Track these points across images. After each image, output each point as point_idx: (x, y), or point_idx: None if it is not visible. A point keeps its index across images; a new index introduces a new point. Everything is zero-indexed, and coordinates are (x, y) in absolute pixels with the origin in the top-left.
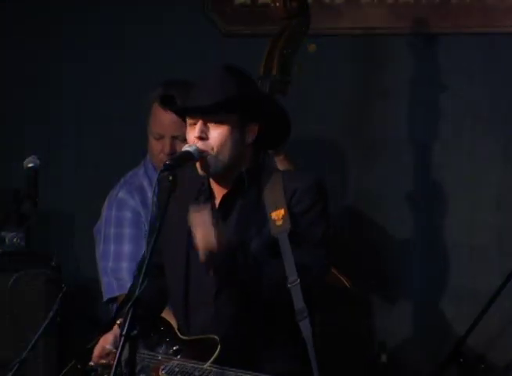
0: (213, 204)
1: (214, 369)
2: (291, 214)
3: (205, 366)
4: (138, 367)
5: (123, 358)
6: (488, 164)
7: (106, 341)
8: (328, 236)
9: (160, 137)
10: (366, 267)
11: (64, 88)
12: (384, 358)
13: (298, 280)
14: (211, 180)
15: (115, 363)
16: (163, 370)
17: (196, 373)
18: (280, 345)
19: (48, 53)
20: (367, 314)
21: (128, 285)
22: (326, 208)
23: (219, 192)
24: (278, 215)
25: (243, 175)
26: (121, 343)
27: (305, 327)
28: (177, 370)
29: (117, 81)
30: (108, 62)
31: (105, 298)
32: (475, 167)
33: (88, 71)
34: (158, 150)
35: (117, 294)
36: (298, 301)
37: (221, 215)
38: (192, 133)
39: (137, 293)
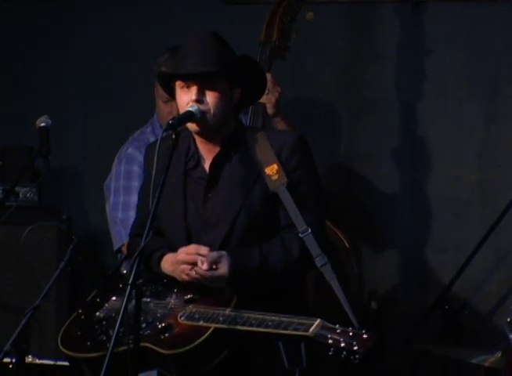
0: (203, 169)
1: (239, 313)
2: (284, 170)
3: (227, 311)
4: (151, 317)
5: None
6: (471, 124)
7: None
8: (321, 188)
9: (168, 100)
10: (356, 220)
11: (74, 51)
12: (374, 305)
13: (309, 230)
14: (199, 144)
15: (122, 310)
16: (181, 316)
17: (221, 318)
18: (282, 296)
19: (59, 18)
20: (358, 264)
21: None
22: (313, 161)
23: (208, 155)
24: (272, 170)
25: (231, 135)
26: (128, 292)
27: (328, 272)
28: (197, 316)
29: (123, 45)
30: (114, 28)
31: (115, 247)
32: (459, 127)
33: (95, 37)
34: (167, 112)
35: (125, 241)
36: (314, 249)
37: (212, 178)
38: (186, 96)
39: (143, 243)
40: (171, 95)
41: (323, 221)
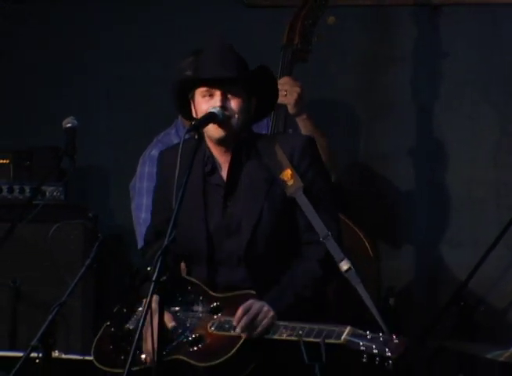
0: (220, 176)
1: None
2: (297, 173)
3: None
4: (181, 328)
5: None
6: (486, 124)
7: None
8: (331, 187)
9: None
10: (374, 219)
11: (99, 52)
12: (391, 301)
13: (330, 233)
14: (213, 150)
15: (145, 308)
16: (211, 326)
17: None
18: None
19: (85, 16)
20: (376, 262)
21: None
22: (322, 161)
23: (222, 160)
24: (286, 175)
25: (242, 141)
26: (152, 288)
27: (353, 277)
28: (227, 326)
29: (147, 46)
30: (138, 28)
31: (139, 246)
32: (474, 127)
33: (119, 37)
34: None
35: None
36: (337, 254)
37: (230, 186)
38: (207, 104)
39: (166, 242)
40: (183, 109)
41: (338, 219)
